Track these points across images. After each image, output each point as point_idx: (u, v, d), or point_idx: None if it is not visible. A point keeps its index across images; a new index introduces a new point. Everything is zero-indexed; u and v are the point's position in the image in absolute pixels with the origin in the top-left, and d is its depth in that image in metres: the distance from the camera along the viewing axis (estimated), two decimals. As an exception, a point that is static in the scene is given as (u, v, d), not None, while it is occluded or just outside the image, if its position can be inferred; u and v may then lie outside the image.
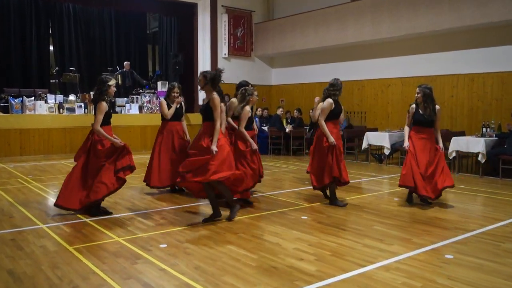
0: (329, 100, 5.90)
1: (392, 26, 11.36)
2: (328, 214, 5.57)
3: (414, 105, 6.03)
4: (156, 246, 4.25)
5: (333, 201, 6.05)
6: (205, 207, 5.94)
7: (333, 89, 5.96)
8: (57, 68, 14.77)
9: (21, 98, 11.21)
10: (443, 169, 5.91)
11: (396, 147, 9.99)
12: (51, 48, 15.59)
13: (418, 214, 5.58)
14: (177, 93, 6.71)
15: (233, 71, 14.77)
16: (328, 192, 6.19)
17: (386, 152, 10.18)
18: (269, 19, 15.45)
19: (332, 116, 5.93)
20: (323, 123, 5.88)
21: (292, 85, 15.21)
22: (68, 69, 14.19)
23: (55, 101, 11.79)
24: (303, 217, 5.39)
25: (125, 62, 14.63)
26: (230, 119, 6.28)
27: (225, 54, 14.66)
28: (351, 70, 13.19)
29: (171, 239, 4.48)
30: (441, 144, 6.01)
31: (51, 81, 15.29)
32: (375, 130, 11.55)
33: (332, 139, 5.80)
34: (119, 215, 5.45)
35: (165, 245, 4.27)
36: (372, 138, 10.50)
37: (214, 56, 14.41)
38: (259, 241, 4.43)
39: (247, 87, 6.03)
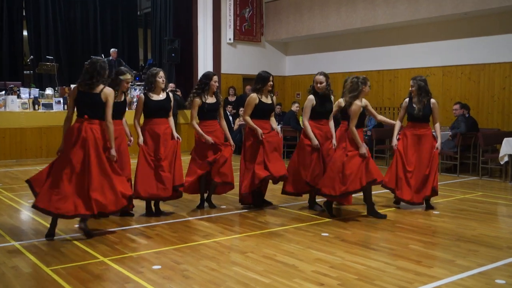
0: (311, 97, 6.30)
1: (432, 5, 11.25)
2: (354, 230, 5.55)
3: (407, 99, 6.51)
4: (148, 267, 4.27)
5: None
6: (206, 222, 5.96)
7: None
8: (31, 56, 14.91)
9: (-11, 93, 11.35)
10: (435, 174, 6.42)
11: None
12: (25, 33, 15.75)
13: (462, 231, 5.53)
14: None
15: (240, 59, 14.81)
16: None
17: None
18: (283, -3, 15.46)
19: (314, 115, 6.21)
20: (306, 123, 6.16)
21: (309, 76, 15.06)
22: (44, 58, 14.33)
23: (30, 95, 11.91)
24: (323, 234, 5.38)
25: (112, 50, 14.73)
26: (248, 118, 6.27)
27: (230, 39, 14.69)
28: (380, 57, 13.13)
29: (166, 259, 4.50)
30: (438, 141, 6.39)
31: (25, 72, 15.46)
32: (410, 129, 11.48)
33: (315, 142, 6.02)
34: (104, 230, 5.47)
35: (159, 267, 4.28)
36: (406, 139, 10.42)
37: (217, 41, 14.42)
38: (271, 262, 4.43)
39: (359, 76, 5.95)
